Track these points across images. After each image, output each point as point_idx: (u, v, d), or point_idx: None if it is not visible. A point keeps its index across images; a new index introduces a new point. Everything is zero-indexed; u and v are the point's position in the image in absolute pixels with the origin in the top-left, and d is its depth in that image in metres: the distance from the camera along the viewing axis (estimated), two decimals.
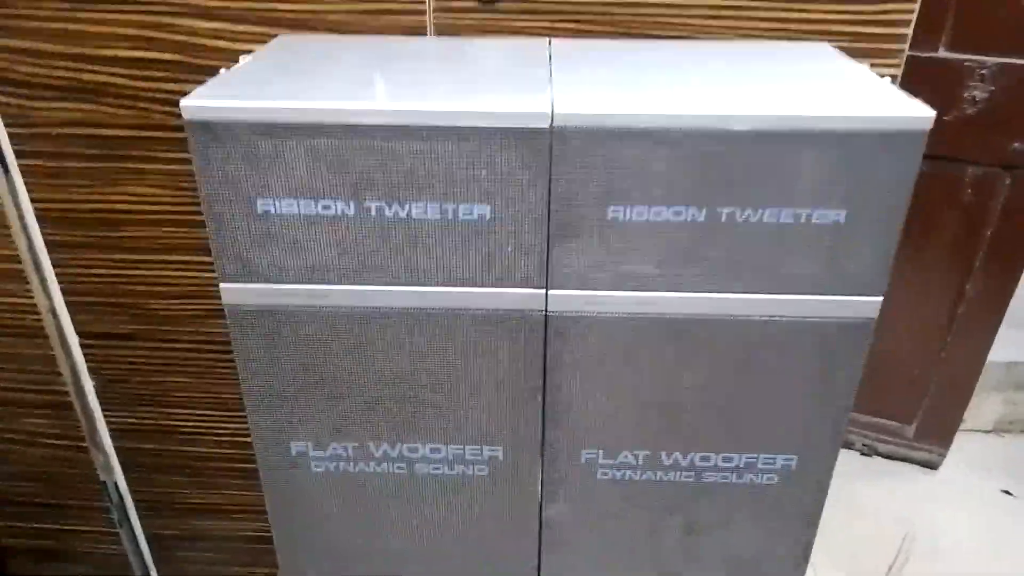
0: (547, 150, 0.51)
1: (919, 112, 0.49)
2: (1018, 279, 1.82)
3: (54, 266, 0.99)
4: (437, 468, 0.65)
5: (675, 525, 0.67)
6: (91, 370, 1.08)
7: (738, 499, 0.65)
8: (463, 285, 0.56)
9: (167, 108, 0.87)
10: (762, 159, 0.51)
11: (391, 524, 0.69)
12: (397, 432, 0.64)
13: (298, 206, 0.53)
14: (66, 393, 1.08)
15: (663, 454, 0.63)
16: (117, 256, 0.98)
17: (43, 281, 1.00)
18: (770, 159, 0.51)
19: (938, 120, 1.55)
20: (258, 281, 0.56)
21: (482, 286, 0.56)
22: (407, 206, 0.53)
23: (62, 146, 0.91)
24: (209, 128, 0.51)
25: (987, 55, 1.62)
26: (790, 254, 0.54)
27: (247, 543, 1.23)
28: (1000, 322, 1.87)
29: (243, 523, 1.21)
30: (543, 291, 0.56)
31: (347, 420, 0.63)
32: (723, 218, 0.53)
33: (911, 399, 2.03)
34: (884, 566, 1.79)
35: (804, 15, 0.77)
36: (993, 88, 1.65)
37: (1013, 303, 1.85)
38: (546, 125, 0.50)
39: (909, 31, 0.78)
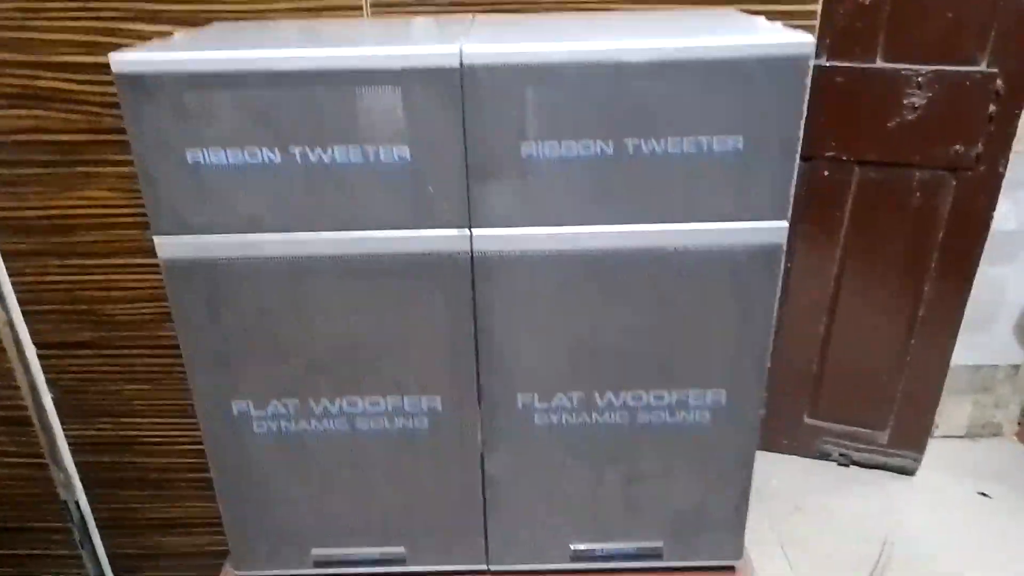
0: (459, 89, 0.54)
1: (799, 39, 0.53)
2: (972, 277, 1.86)
3: (10, 275, 1.00)
4: (378, 423, 0.67)
5: (616, 476, 0.69)
6: (49, 381, 1.08)
7: (673, 441, 0.67)
8: (389, 228, 0.59)
9: (117, 111, 0.90)
10: (659, 90, 0.54)
11: (337, 487, 0.70)
12: (336, 386, 0.65)
13: (226, 156, 0.56)
14: (24, 407, 1.08)
15: (596, 394, 0.65)
16: (72, 262, 0.99)
17: (0, 293, 1.01)
18: (666, 90, 0.54)
19: (881, 127, 1.61)
20: (192, 233, 0.59)
21: (407, 228, 0.59)
22: (330, 151, 0.56)
23: (16, 154, 0.93)
24: (138, 81, 0.54)
25: (921, 64, 1.70)
26: (696, 183, 0.57)
27: (209, 559, 1.21)
28: (960, 321, 1.91)
29: (205, 537, 1.19)
30: (467, 231, 0.59)
31: (286, 376, 0.64)
32: (630, 150, 0.56)
33: (881, 406, 2.05)
34: (866, 573, 1.78)
35: None
36: (930, 94, 1.72)
37: (974, 307, 1.89)
38: (456, 64, 0.54)
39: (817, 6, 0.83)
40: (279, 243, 0.59)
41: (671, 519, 0.71)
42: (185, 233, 0.59)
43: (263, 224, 0.59)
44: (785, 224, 0.58)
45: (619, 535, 0.72)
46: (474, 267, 0.60)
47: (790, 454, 2.17)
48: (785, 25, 0.80)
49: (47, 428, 1.11)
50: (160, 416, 1.10)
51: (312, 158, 0.56)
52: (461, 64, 0.54)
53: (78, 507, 1.18)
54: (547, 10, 0.84)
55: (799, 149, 0.57)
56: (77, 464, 1.15)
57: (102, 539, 1.21)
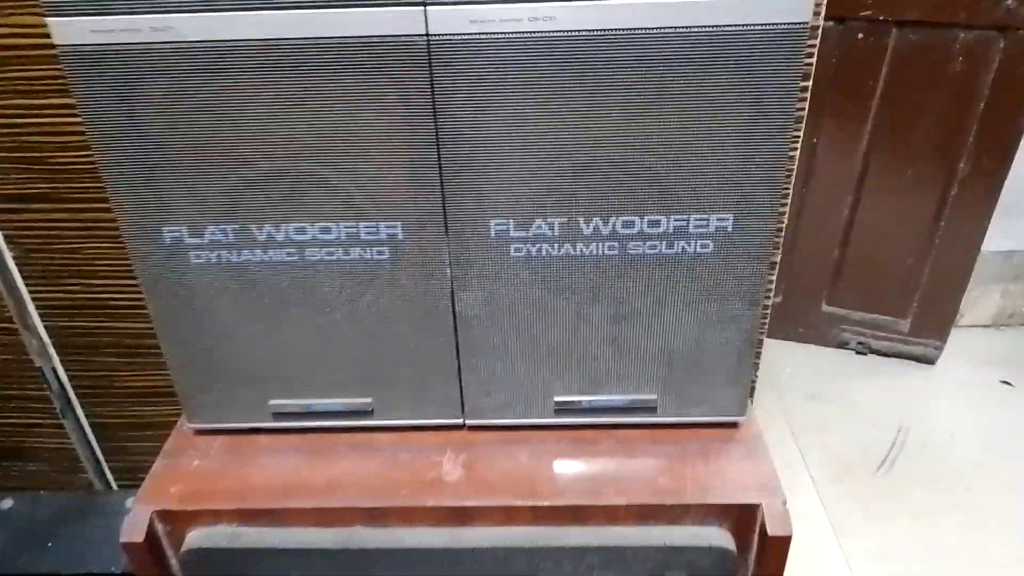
0: None
1: None
2: (1013, 154, 1.73)
3: None
4: (331, 253, 0.58)
5: (601, 313, 0.60)
6: (7, 239, 1.01)
7: (669, 274, 0.58)
8: (322, 4, 0.48)
9: None
10: None
11: (290, 327, 0.62)
12: (280, 209, 0.56)
13: None
14: None
15: (581, 220, 0.56)
16: (14, 102, 0.90)
17: None
18: None
19: None
20: (89, 11, 0.48)
21: (344, 5, 0.48)
22: None
23: None
24: None
25: None
26: None
27: None
28: (995, 203, 1.79)
29: None
30: (420, 8, 0.48)
31: (221, 195, 0.56)
32: None
33: (904, 292, 1.96)
34: (878, 459, 1.74)
35: None
36: None
37: (1010, 189, 1.77)
38: None
39: None
40: (195, 24, 0.49)
41: (667, 368, 0.63)
42: (82, 12, 0.49)
43: None
44: None
45: (608, 386, 0.64)
46: (431, 57, 0.50)
47: (806, 343, 2.11)
48: None
49: (13, 290, 1.04)
50: (129, 277, 1.03)
51: None
52: None
53: (55, 374, 1.13)
54: None
55: None
56: (49, 329, 1.09)
57: (83, 408, 1.17)
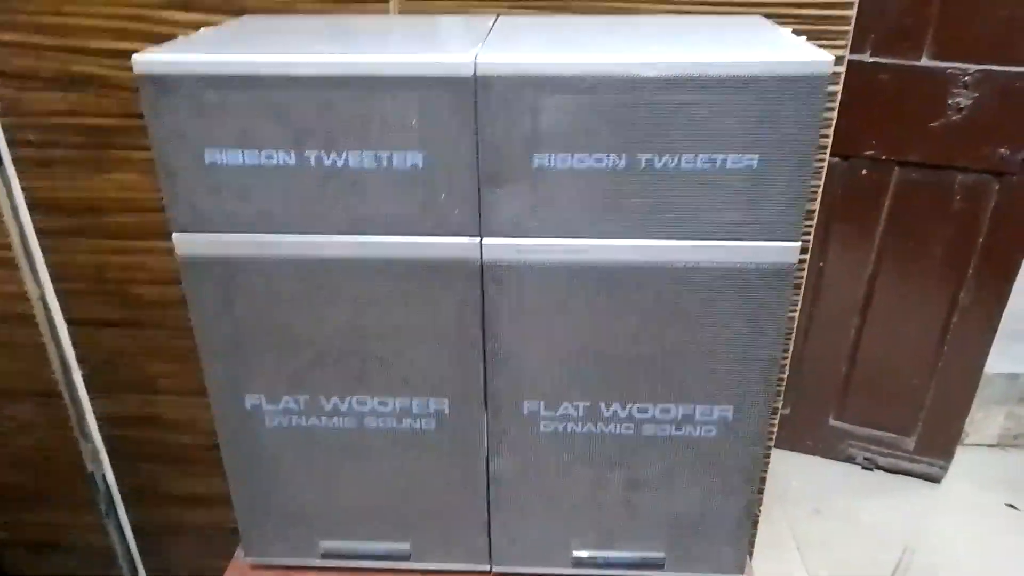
0: (472, 98, 0.54)
1: (817, 57, 0.52)
2: (1011, 286, 1.82)
3: (43, 252, 1.03)
4: (386, 423, 0.67)
5: (617, 480, 0.69)
6: (79, 358, 1.11)
7: (678, 453, 0.67)
8: (401, 233, 0.59)
9: None
10: (674, 106, 0.54)
11: (344, 480, 0.71)
12: (346, 385, 0.66)
13: (243, 156, 0.57)
14: (55, 382, 1.12)
15: (602, 405, 0.65)
16: (104, 242, 1.02)
17: (33, 269, 1.04)
18: (682, 106, 0.53)
19: (924, 127, 1.58)
20: (209, 230, 0.60)
21: (419, 234, 0.59)
22: (344, 155, 0.57)
23: (52, 135, 0.95)
24: (158, 81, 0.55)
25: (969, 63, 1.65)
26: (708, 199, 0.56)
27: (228, 535, 1.24)
28: (995, 330, 1.87)
29: (223, 514, 1.22)
30: (477, 239, 0.59)
31: (298, 372, 0.66)
32: (643, 164, 0.56)
33: (910, 411, 2.02)
34: None
35: None
36: (977, 95, 1.67)
37: (1016, 316, 1.85)
38: (470, 73, 0.53)
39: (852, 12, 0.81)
40: (292, 244, 0.60)
41: (674, 530, 0.71)
42: (202, 230, 0.60)
43: (277, 224, 0.59)
44: (797, 245, 0.57)
45: (621, 544, 0.72)
46: (483, 275, 0.60)
47: (813, 455, 2.15)
48: (814, 36, 0.78)
49: (77, 402, 1.14)
50: (182, 395, 1.13)
51: (326, 161, 0.57)
52: (475, 74, 0.53)
53: (104, 479, 1.21)
54: (572, 11, 0.83)
55: (812, 167, 0.56)
56: (104, 438, 1.19)
57: (126, 510, 1.25)
